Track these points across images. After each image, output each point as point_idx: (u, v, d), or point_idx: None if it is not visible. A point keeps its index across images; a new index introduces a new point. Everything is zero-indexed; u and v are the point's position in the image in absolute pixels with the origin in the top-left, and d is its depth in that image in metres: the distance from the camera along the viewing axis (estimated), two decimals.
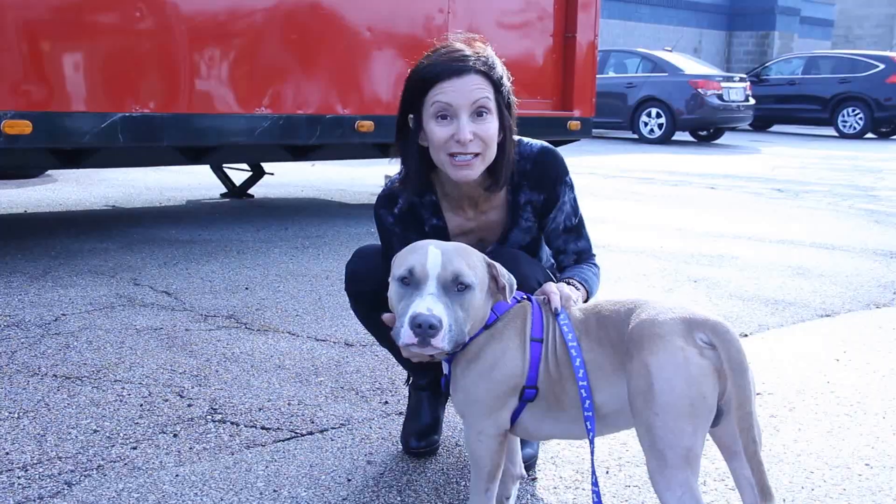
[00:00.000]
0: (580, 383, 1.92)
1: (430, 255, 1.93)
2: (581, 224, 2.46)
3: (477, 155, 2.22)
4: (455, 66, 2.20)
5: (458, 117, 2.20)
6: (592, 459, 1.93)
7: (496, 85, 2.25)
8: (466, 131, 2.18)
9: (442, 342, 1.87)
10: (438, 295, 1.90)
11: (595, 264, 2.45)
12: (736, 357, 1.75)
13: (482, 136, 2.21)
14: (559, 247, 2.44)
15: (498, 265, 2.03)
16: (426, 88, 2.22)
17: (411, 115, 2.28)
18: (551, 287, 2.11)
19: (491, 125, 2.23)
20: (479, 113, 2.21)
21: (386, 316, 2.06)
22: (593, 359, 1.94)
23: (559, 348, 2.00)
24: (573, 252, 2.44)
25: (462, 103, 2.19)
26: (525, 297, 2.12)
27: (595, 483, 1.91)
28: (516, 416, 2.05)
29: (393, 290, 1.99)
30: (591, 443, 1.92)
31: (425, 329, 1.85)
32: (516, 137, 2.39)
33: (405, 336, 1.88)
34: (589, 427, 1.91)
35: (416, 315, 1.86)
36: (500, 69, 2.29)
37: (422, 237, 2.40)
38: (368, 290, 2.44)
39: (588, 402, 1.91)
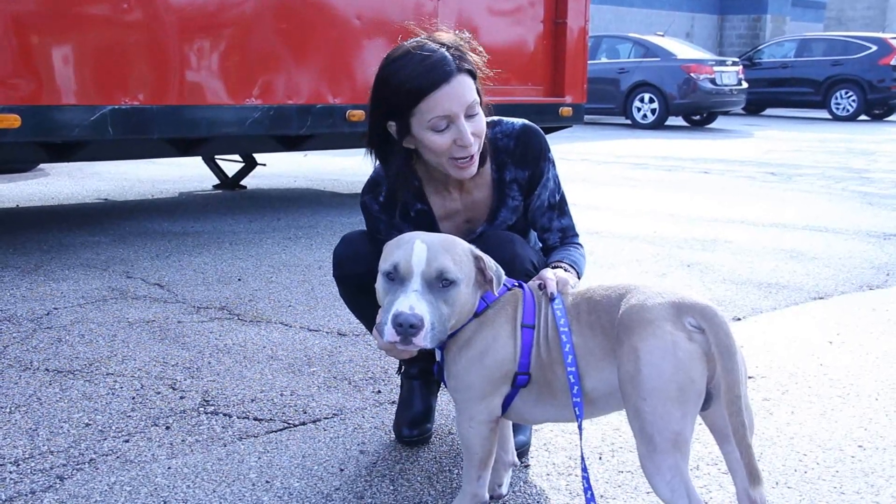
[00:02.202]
0: (569, 369, 1.91)
1: (415, 251, 1.92)
2: (563, 200, 2.48)
3: (475, 152, 2.26)
4: (441, 72, 2.18)
5: (456, 123, 2.21)
6: (581, 446, 1.93)
7: (474, 75, 2.26)
8: (469, 135, 2.21)
9: (424, 341, 1.88)
10: (422, 292, 1.90)
11: (579, 244, 2.47)
12: (724, 341, 1.75)
13: (478, 133, 2.25)
14: (544, 224, 2.45)
15: (486, 257, 2.02)
16: (414, 103, 2.20)
17: (391, 122, 2.27)
18: (548, 273, 2.11)
19: (482, 120, 2.27)
20: (470, 114, 2.23)
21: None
22: (584, 344, 1.94)
23: (551, 334, 1.99)
24: (558, 230, 2.45)
25: (458, 111, 2.20)
26: (516, 284, 2.12)
27: (585, 469, 1.91)
28: (509, 401, 2.05)
29: (379, 284, 1.99)
30: (580, 429, 1.92)
31: (406, 328, 1.86)
32: (496, 118, 2.40)
33: (388, 334, 1.89)
34: (577, 413, 1.91)
35: (399, 314, 1.87)
36: (469, 53, 2.29)
37: (408, 223, 2.41)
38: (355, 275, 2.45)
39: (576, 388, 1.91)
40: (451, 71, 2.19)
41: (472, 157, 2.26)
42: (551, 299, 2.03)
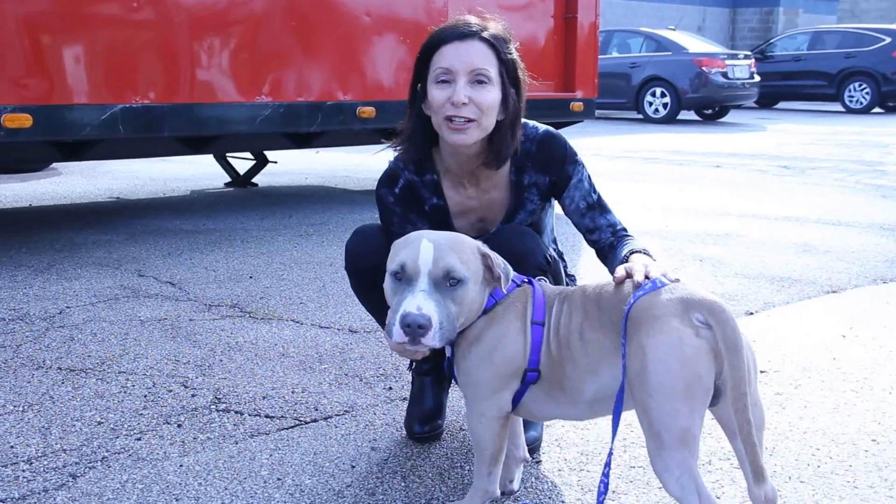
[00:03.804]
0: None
1: (421, 250, 1.92)
2: (602, 199, 2.45)
3: (472, 121, 2.25)
4: (459, 30, 2.27)
5: (455, 82, 2.24)
6: (612, 443, 1.92)
7: (501, 57, 2.28)
8: (461, 94, 2.23)
9: (432, 340, 1.88)
10: (430, 292, 1.90)
11: (631, 236, 2.40)
12: (731, 336, 1.74)
13: (478, 103, 2.24)
14: (588, 225, 2.42)
15: (493, 255, 2.02)
16: (431, 54, 2.28)
17: (420, 84, 2.33)
18: (635, 264, 2.03)
19: (488, 94, 2.26)
20: (478, 80, 2.25)
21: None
22: (595, 340, 1.94)
23: (561, 331, 1.99)
24: (607, 226, 2.40)
25: (461, 68, 2.24)
26: (525, 280, 2.12)
27: (608, 464, 1.89)
28: (519, 397, 2.05)
29: (387, 284, 1.99)
30: (614, 432, 1.91)
31: (414, 329, 1.86)
32: (522, 120, 2.39)
33: (396, 335, 1.89)
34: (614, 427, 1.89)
35: (406, 315, 1.87)
36: (509, 45, 2.32)
37: (422, 217, 2.41)
38: (367, 268, 2.44)
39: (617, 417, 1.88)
40: (466, 33, 2.26)
41: (466, 121, 2.24)
42: (637, 287, 1.91)
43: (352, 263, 2.53)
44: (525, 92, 2.37)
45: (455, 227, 2.44)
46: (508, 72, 2.31)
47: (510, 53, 2.31)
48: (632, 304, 1.85)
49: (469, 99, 2.22)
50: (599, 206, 2.43)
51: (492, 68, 2.26)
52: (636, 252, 2.21)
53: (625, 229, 2.42)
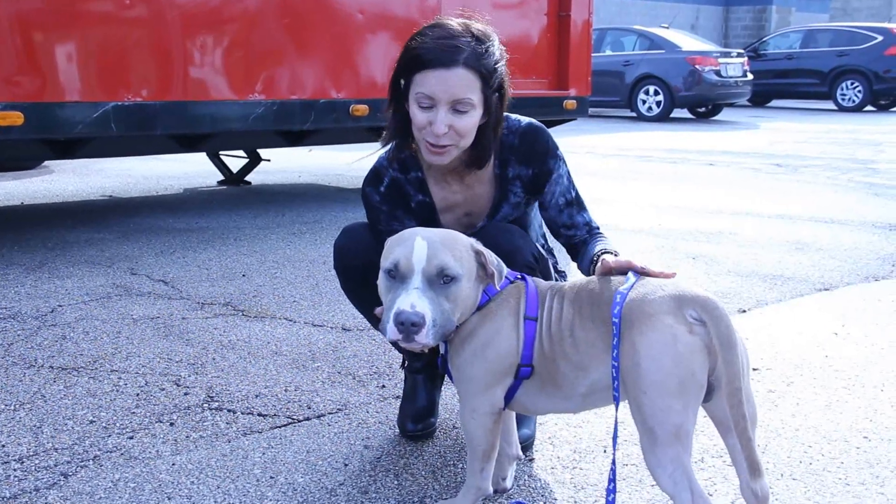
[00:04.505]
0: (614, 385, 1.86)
1: (415, 248, 1.92)
2: (580, 196, 2.47)
3: (451, 145, 2.24)
4: (444, 56, 2.18)
5: (436, 108, 2.20)
6: (614, 458, 1.92)
7: (485, 77, 2.22)
8: (441, 126, 2.20)
9: (426, 338, 1.88)
10: (423, 289, 1.90)
11: (605, 235, 2.44)
12: (724, 332, 1.74)
13: (457, 130, 2.22)
14: (565, 222, 2.43)
15: (487, 252, 2.02)
16: (414, 70, 2.22)
17: (402, 80, 2.29)
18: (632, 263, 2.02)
19: (469, 120, 2.23)
20: (459, 109, 2.20)
21: (378, 309, 2.08)
22: (585, 337, 1.94)
23: (553, 327, 1.99)
24: (583, 224, 2.43)
25: (442, 98, 2.19)
26: (519, 276, 2.12)
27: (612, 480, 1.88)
28: (512, 393, 2.05)
29: (381, 282, 1.99)
30: (615, 442, 1.91)
31: (408, 326, 1.86)
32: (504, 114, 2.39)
33: (390, 332, 1.90)
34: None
35: (400, 312, 1.87)
36: (495, 56, 2.25)
37: (408, 213, 2.41)
38: (357, 266, 2.44)
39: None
40: (455, 60, 2.18)
41: (444, 147, 2.24)
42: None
43: (341, 261, 2.53)
44: (508, 94, 2.33)
45: (442, 223, 2.44)
46: (489, 88, 2.25)
47: (494, 68, 2.24)
48: (621, 303, 1.85)
49: (449, 127, 2.20)
50: (577, 204, 2.45)
51: (475, 94, 2.21)
52: (608, 252, 2.22)
53: (598, 228, 2.45)
